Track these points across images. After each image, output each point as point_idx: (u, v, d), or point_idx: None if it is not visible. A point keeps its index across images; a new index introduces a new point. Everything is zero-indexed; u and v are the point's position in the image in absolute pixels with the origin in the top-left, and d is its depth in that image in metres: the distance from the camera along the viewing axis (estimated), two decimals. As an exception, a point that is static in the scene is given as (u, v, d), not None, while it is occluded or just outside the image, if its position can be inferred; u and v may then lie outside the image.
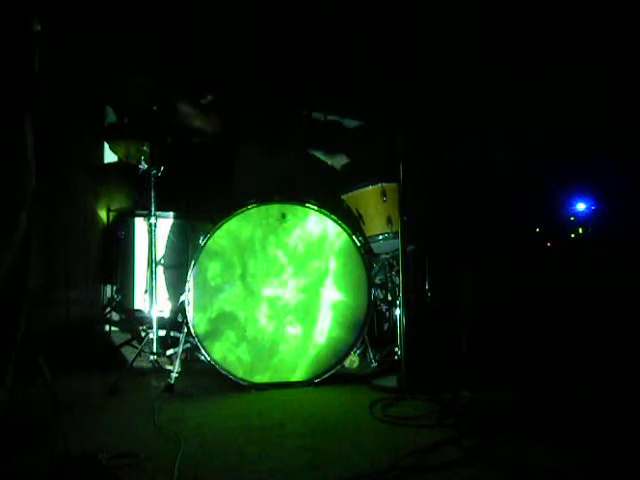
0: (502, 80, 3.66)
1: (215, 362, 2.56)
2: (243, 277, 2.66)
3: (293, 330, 2.69)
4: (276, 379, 2.63)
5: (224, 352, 2.60)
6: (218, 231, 2.63)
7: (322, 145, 3.64)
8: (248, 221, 2.67)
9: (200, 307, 2.60)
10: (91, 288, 3.51)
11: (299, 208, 2.73)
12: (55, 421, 1.76)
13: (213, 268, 2.63)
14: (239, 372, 2.59)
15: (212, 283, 2.62)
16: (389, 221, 2.97)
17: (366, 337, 2.82)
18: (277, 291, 2.69)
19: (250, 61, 3.65)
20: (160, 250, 2.99)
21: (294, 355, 2.67)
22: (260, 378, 2.61)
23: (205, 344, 2.58)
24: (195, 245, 2.69)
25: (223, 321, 2.62)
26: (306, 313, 2.71)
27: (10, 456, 1.71)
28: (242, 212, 2.65)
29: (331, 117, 3.80)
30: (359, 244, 2.78)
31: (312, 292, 2.72)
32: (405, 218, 2.68)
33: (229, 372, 2.57)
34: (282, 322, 2.68)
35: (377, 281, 3.13)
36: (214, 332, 2.60)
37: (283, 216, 2.70)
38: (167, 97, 2.87)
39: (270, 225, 2.69)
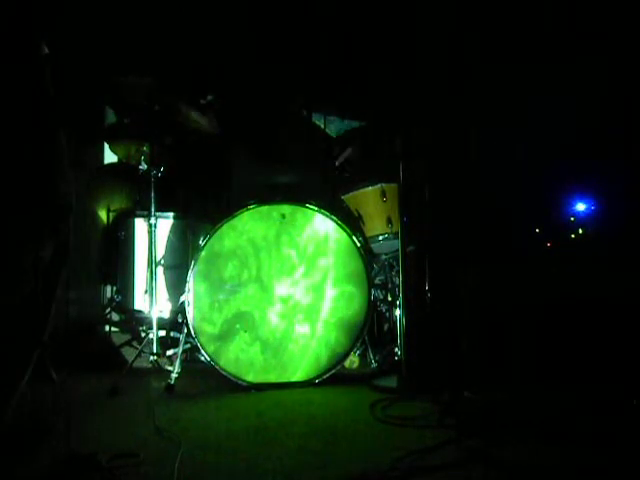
0: (502, 80, 3.66)
1: (215, 363, 2.56)
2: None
3: (301, 329, 2.69)
4: (279, 379, 2.63)
5: (228, 351, 2.60)
6: (225, 231, 2.63)
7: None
8: (253, 221, 2.68)
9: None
10: (91, 288, 3.51)
11: (299, 209, 2.73)
12: (55, 421, 1.76)
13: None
14: (241, 372, 2.59)
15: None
16: (389, 221, 2.97)
17: (366, 337, 2.82)
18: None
19: (249, 60, 3.65)
20: (160, 250, 2.99)
21: (300, 355, 2.67)
22: (263, 378, 2.61)
23: (207, 344, 2.58)
24: (195, 246, 2.69)
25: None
26: (311, 313, 2.71)
27: (10, 456, 1.71)
28: (243, 212, 2.65)
29: (331, 117, 3.80)
30: (359, 244, 2.78)
31: (315, 292, 2.73)
32: (405, 218, 2.68)
33: (229, 372, 2.57)
34: (292, 321, 2.68)
35: (377, 281, 3.13)
36: (220, 332, 2.60)
37: (283, 216, 2.70)
38: (167, 97, 2.87)
39: (275, 225, 2.69)
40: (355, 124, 4.03)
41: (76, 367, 2.88)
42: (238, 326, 2.62)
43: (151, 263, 2.86)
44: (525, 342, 3.01)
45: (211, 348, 2.58)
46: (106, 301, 3.43)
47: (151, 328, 2.80)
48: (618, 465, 1.66)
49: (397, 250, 2.73)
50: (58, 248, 1.45)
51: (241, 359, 2.61)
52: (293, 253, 2.71)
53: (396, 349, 2.79)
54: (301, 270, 2.71)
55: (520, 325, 3.15)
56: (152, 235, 2.87)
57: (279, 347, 2.65)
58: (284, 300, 2.68)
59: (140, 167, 3.07)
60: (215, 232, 2.61)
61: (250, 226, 2.67)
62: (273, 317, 2.66)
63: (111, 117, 3.82)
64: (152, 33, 3.45)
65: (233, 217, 2.64)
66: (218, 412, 2.27)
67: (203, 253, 2.60)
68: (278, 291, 2.68)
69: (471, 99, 3.64)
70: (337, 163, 3.52)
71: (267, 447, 1.84)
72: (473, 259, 3.31)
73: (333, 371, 2.68)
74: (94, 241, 3.55)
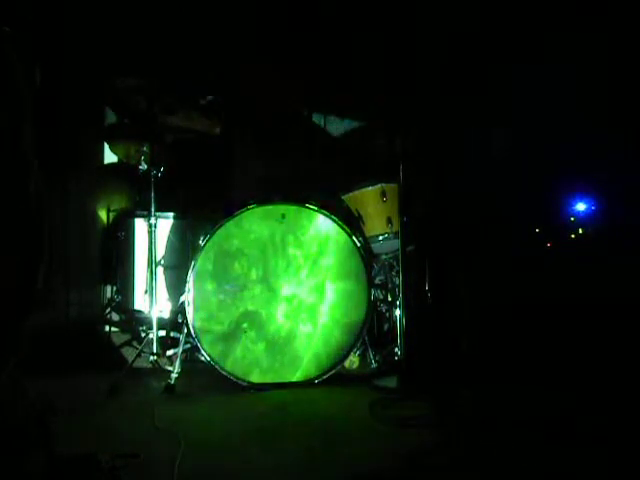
0: (502, 80, 3.66)
1: (215, 363, 2.56)
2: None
3: (304, 329, 2.69)
4: (279, 379, 2.63)
5: (228, 351, 2.60)
6: (225, 231, 2.63)
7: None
8: (253, 221, 2.68)
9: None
10: (91, 288, 3.51)
11: (299, 208, 2.73)
12: (55, 421, 1.76)
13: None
14: (241, 372, 2.59)
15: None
16: (389, 221, 2.97)
17: (366, 337, 2.82)
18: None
19: (248, 62, 3.65)
20: (160, 250, 2.99)
21: (301, 355, 2.67)
22: (263, 378, 2.61)
23: (207, 344, 2.58)
24: (195, 245, 2.69)
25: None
26: (312, 312, 2.71)
27: (9, 456, 1.71)
28: (242, 212, 2.65)
29: (331, 117, 3.80)
30: (359, 244, 2.78)
31: (317, 292, 2.72)
32: (405, 218, 2.68)
33: (229, 372, 2.57)
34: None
35: (377, 281, 3.13)
36: (220, 332, 2.60)
37: (283, 216, 2.70)
38: (166, 98, 2.86)
39: (272, 225, 2.69)
40: (355, 124, 4.04)
41: (76, 367, 2.88)
42: (245, 325, 2.63)
43: (151, 263, 2.86)
44: (525, 342, 3.02)
45: (217, 347, 2.58)
46: (106, 301, 3.44)
47: (151, 328, 2.79)
48: (618, 465, 1.66)
49: (397, 250, 2.73)
50: (32, 250, 1.40)
51: (244, 359, 2.61)
52: (299, 253, 2.71)
53: (396, 349, 2.79)
54: (306, 270, 2.71)
55: (520, 325, 3.15)
56: (152, 235, 2.87)
57: (283, 347, 2.65)
58: (289, 299, 2.69)
59: (140, 167, 3.07)
60: (215, 232, 2.61)
61: (257, 225, 2.68)
62: (279, 316, 2.67)
63: (111, 117, 3.82)
64: (152, 33, 3.45)
65: (233, 217, 2.64)
66: (218, 412, 2.27)
67: (211, 252, 2.61)
68: (284, 290, 2.68)
69: (471, 99, 3.64)
70: None
71: (267, 447, 1.84)
72: (473, 259, 3.31)
73: (333, 371, 2.68)
74: (94, 241, 3.56)
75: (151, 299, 2.82)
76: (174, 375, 2.56)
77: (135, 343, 3.15)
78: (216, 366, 2.56)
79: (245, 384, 2.58)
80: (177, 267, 3.02)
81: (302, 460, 1.72)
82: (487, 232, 3.53)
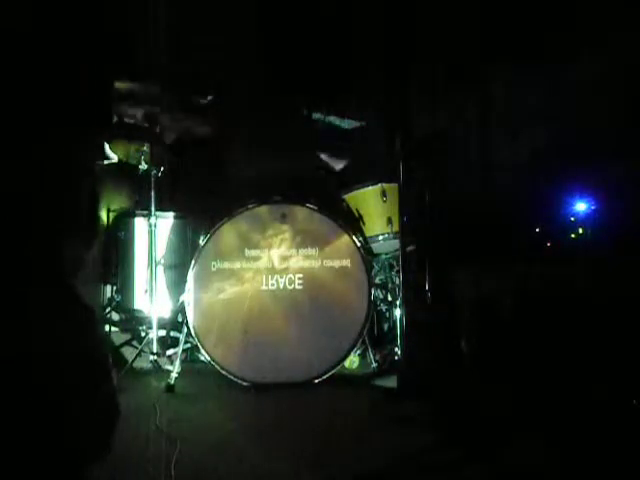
0: (501, 79, 3.66)
1: (216, 362, 2.56)
2: (253, 276, 2.67)
3: (302, 329, 2.69)
4: (277, 379, 2.63)
5: (228, 351, 2.60)
6: (225, 231, 2.64)
7: (322, 146, 3.64)
8: (253, 221, 2.69)
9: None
10: (91, 288, 3.51)
11: (300, 208, 2.73)
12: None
13: (223, 268, 2.64)
14: (241, 372, 2.59)
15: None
16: (389, 221, 2.97)
17: (366, 337, 2.82)
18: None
19: (249, 61, 3.65)
20: (160, 250, 2.99)
21: (299, 355, 2.67)
22: (261, 378, 2.61)
23: (207, 343, 2.58)
24: (195, 245, 2.70)
25: (230, 320, 2.63)
26: (311, 312, 2.71)
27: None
28: (243, 212, 2.66)
29: (331, 118, 3.80)
30: (359, 244, 2.78)
31: (315, 292, 2.72)
32: (405, 218, 2.68)
33: (229, 372, 2.57)
34: (294, 321, 2.68)
35: (377, 281, 3.13)
36: (220, 332, 2.61)
37: (283, 216, 2.71)
38: (167, 98, 2.87)
39: (273, 225, 2.70)
40: (355, 124, 4.03)
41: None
42: (245, 325, 2.63)
43: (151, 263, 2.86)
44: (525, 342, 3.01)
45: (217, 347, 2.59)
46: (106, 301, 3.44)
47: (151, 328, 2.80)
48: (618, 465, 1.66)
49: (397, 250, 2.73)
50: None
51: (244, 359, 2.61)
52: (299, 253, 2.72)
53: (396, 349, 2.78)
54: (306, 270, 2.71)
55: (520, 325, 3.15)
56: (152, 235, 2.87)
57: (283, 346, 2.65)
58: (290, 299, 2.68)
59: (140, 167, 3.07)
60: (215, 232, 2.62)
61: (257, 225, 2.68)
62: (279, 316, 2.67)
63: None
64: (152, 33, 3.45)
65: (233, 217, 2.65)
66: (218, 412, 2.28)
67: (211, 252, 2.61)
68: (284, 290, 2.68)
69: (471, 99, 3.64)
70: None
71: (266, 447, 1.84)
72: (473, 259, 3.31)
73: (333, 371, 2.68)
74: (94, 241, 3.55)
75: (151, 299, 2.82)
76: (174, 375, 2.56)
77: (135, 343, 3.15)
78: (216, 366, 2.56)
79: (245, 384, 2.58)
80: (177, 267, 3.02)
81: (302, 460, 1.72)
82: (487, 231, 3.53)
